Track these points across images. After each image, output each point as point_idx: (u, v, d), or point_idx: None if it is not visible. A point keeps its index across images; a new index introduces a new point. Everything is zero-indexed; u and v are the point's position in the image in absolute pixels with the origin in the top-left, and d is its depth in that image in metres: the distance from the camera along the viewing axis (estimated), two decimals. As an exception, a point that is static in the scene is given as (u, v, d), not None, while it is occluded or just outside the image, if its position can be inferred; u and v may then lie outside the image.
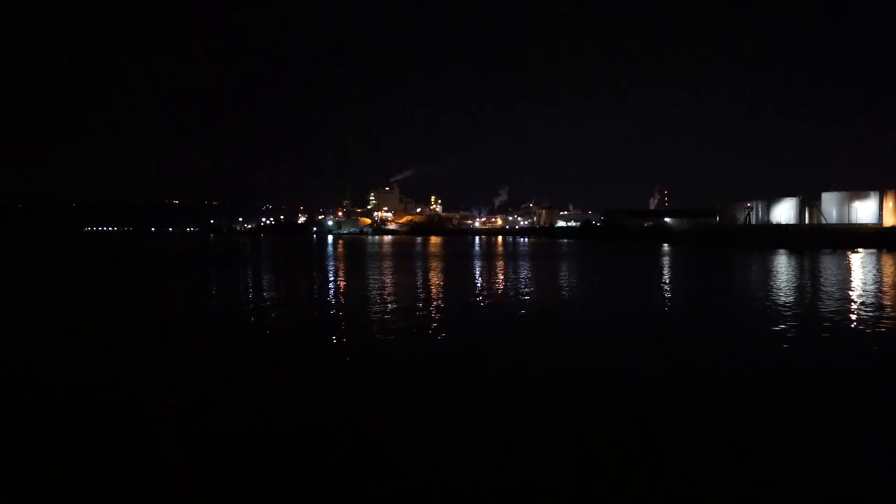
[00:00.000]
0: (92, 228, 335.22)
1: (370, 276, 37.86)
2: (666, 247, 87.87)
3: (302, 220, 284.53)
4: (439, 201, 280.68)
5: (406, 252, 77.90)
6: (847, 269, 42.08)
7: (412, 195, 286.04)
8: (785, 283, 32.32)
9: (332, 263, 54.09)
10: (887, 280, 34.45)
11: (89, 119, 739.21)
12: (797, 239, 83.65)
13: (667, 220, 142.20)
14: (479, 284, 33.69)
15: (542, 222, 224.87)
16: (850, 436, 9.24)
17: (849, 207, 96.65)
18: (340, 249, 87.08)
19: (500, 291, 29.55)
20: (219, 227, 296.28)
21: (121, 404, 10.56)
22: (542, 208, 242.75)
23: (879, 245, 76.16)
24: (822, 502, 7.23)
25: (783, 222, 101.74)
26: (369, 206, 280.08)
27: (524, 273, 41.37)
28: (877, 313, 20.99)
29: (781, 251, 69.02)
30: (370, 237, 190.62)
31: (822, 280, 33.90)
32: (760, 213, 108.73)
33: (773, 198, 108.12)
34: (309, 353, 15.16)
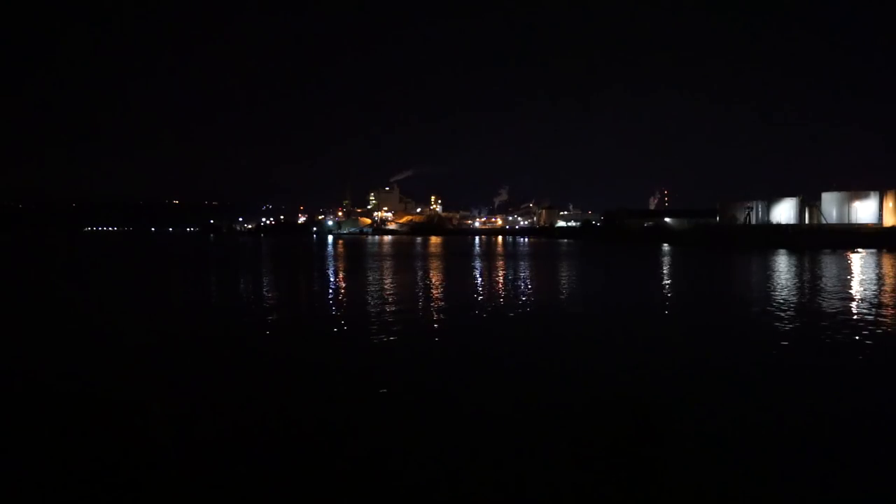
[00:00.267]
0: (92, 228, 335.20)
1: (371, 277, 37.86)
2: (666, 247, 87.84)
3: (302, 220, 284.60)
4: (439, 201, 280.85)
5: (406, 252, 77.89)
6: (847, 270, 42.07)
7: (412, 195, 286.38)
8: (785, 283, 32.31)
9: (332, 264, 54.07)
10: (888, 280, 34.44)
11: (89, 119, 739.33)
12: (797, 239, 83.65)
13: (667, 220, 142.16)
14: (479, 285, 33.68)
15: (542, 222, 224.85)
16: (849, 435, 9.24)
17: (849, 207, 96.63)
18: (340, 249, 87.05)
19: (500, 291, 29.54)
20: (219, 227, 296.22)
21: (121, 404, 10.55)
22: (542, 208, 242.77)
23: (879, 245, 76.16)
24: (823, 502, 7.23)
25: (783, 222, 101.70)
26: (369, 206, 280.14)
27: (524, 273, 41.37)
28: (877, 313, 20.98)
29: (781, 251, 69.00)
30: (370, 237, 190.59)
31: (822, 280, 33.88)
32: (760, 213, 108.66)
33: (773, 198, 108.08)
34: (309, 354, 15.16)
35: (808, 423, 9.71)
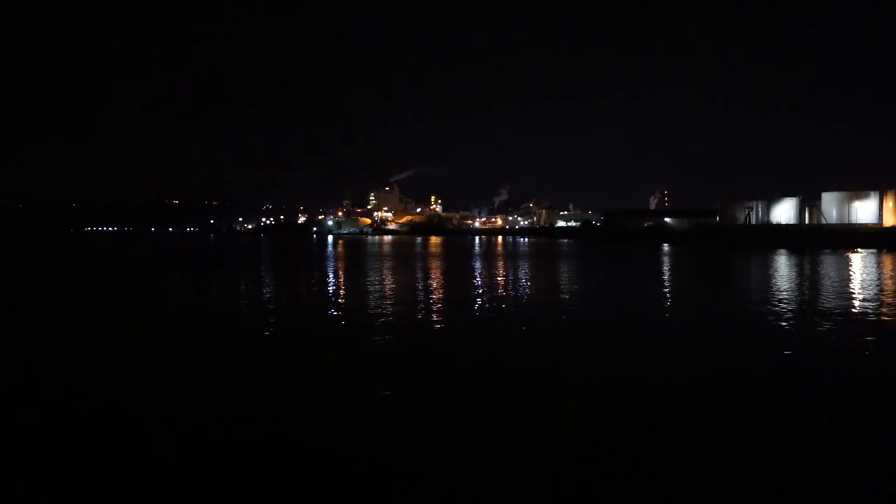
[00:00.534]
0: (92, 228, 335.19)
1: (372, 277, 37.87)
2: (666, 247, 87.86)
3: (302, 220, 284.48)
4: (439, 201, 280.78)
5: (406, 252, 77.90)
6: (847, 269, 42.09)
7: (412, 195, 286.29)
8: (785, 283, 32.32)
9: (332, 264, 54.07)
10: (888, 280, 34.46)
11: (89, 119, 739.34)
12: (797, 239, 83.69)
13: (667, 220, 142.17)
14: (480, 285, 33.68)
15: (542, 222, 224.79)
16: (849, 435, 9.25)
17: (849, 207, 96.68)
18: (341, 249, 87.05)
19: (500, 292, 29.55)
20: (219, 227, 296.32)
21: (120, 404, 10.57)
22: (542, 208, 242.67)
23: (879, 245, 76.19)
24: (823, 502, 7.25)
25: (783, 222, 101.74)
26: (369, 206, 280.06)
27: (525, 274, 41.38)
28: (877, 312, 21.00)
29: (781, 251, 69.02)
30: (370, 237, 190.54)
31: (822, 280, 33.90)
32: (760, 213, 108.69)
33: (773, 198, 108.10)
34: (310, 355, 15.17)
35: (813, 424, 9.72)
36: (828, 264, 47.43)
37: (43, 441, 8.95)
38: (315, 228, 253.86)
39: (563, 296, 28.38)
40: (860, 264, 47.49)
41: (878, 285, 31.15)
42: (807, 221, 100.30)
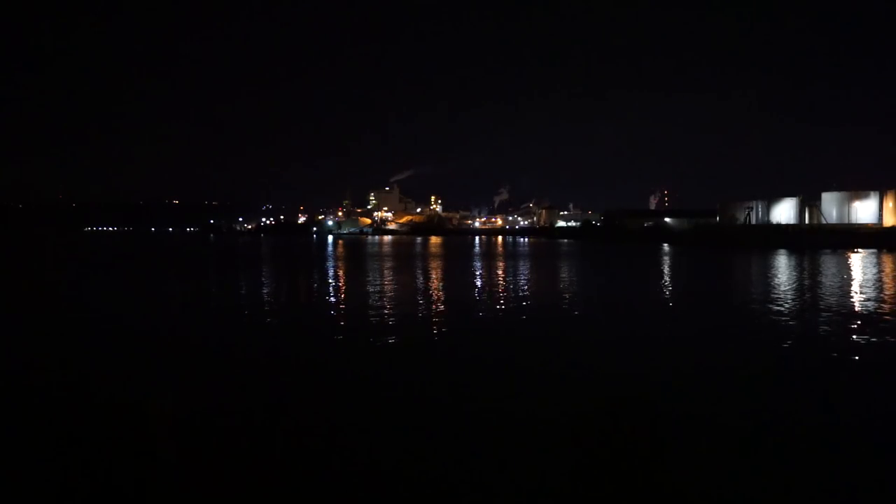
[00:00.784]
0: (92, 228, 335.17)
1: (373, 278, 37.88)
2: (666, 247, 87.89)
3: (302, 220, 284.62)
4: (439, 201, 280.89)
5: (407, 252, 77.91)
6: (847, 269, 42.11)
7: (412, 195, 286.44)
8: (785, 283, 32.34)
9: (332, 264, 54.08)
10: (888, 280, 34.47)
11: (89, 119, 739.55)
12: (797, 239, 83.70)
13: (667, 220, 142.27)
14: (481, 285, 33.71)
15: (542, 222, 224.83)
16: (848, 435, 9.26)
17: (849, 207, 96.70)
18: (340, 250, 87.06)
19: (501, 292, 29.56)
20: (219, 227, 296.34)
21: (120, 405, 10.57)
22: (542, 208, 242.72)
23: (879, 245, 76.23)
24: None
25: (783, 222, 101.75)
26: (369, 206, 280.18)
27: (525, 274, 41.39)
28: (877, 311, 21.02)
29: (782, 251, 69.04)
30: (370, 237, 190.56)
31: (822, 280, 33.92)
32: (760, 213, 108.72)
33: (773, 198, 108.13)
34: (310, 355, 15.18)
35: (807, 423, 9.73)
36: (828, 264, 47.44)
37: (43, 442, 8.95)
38: (315, 228, 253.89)
39: (564, 296, 28.38)
40: (860, 264, 47.51)
41: (878, 285, 31.16)
42: (807, 221, 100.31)
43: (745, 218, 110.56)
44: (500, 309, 23.23)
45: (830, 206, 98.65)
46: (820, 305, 23.36)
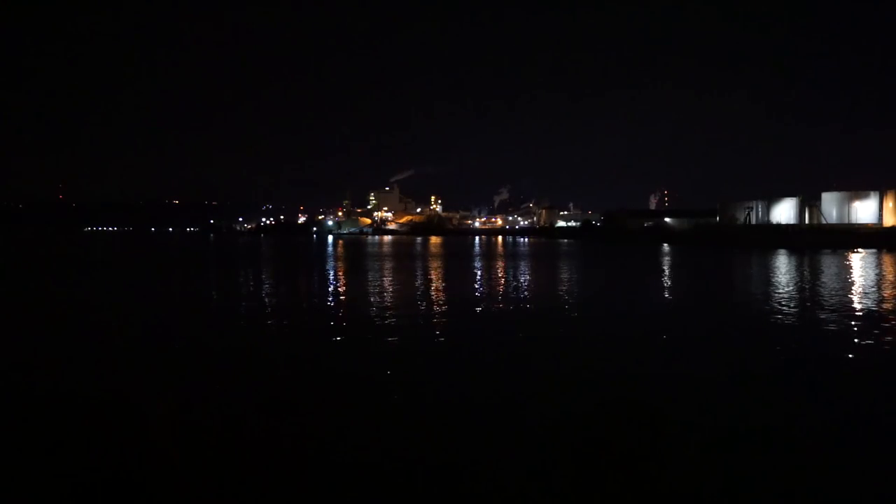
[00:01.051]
0: (92, 228, 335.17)
1: (374, 278, 37.88)
2: (666, 247, 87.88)
3: (302, 220, 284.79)
4: (439, 201, 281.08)
5: (406, 252, 77.90)
6: (847, 269, 42.10)
7: (412, 195, 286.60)
8: (785, 283, 32.34)
9: (332, 264, 54.07)
10: (887, 280, 34.46)
11: (89, 119, 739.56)
12: (797, 239, 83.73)
13: (667, 220, 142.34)
14: (481, 285, 33.71)
15: (542, 222, 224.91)
16: (848, 435, 9.26)
17: (849, 207, 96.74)
18: (341, 250, 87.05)
19: (502, 293, 29.56)
20: (219, 227, 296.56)
21: (120, 405, 10.58)
22: (542, 208, 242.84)
23: (879, 245, 76.25)
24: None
25: (783, 222, 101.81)
26: (369, 206, 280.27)
27: (525, 274, 41.38)
28: (877, 311, 21.01)
29: (782, 251, 69.04)
30: (370, 237, 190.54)
31: (822, 280, 33.91)
32: (760, 213, 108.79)
33: (773, 198, 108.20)
34: (309, 355, 15.18)
35: (807, 422, 9.73)
36: (828, 264, 47.43)
37: (42, 442, 8.95)
38: (315, 228, 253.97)
39: (565, 296, 28.37)
40: (860, 264, 47.51)
41: (878, 285, 31.16)
42: (807, 221, 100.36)
43: (745, 218, 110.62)
44: (501, 309, 23.22)
45: (830, 206, 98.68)
46: (819, 305, 23.35)
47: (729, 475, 7.83)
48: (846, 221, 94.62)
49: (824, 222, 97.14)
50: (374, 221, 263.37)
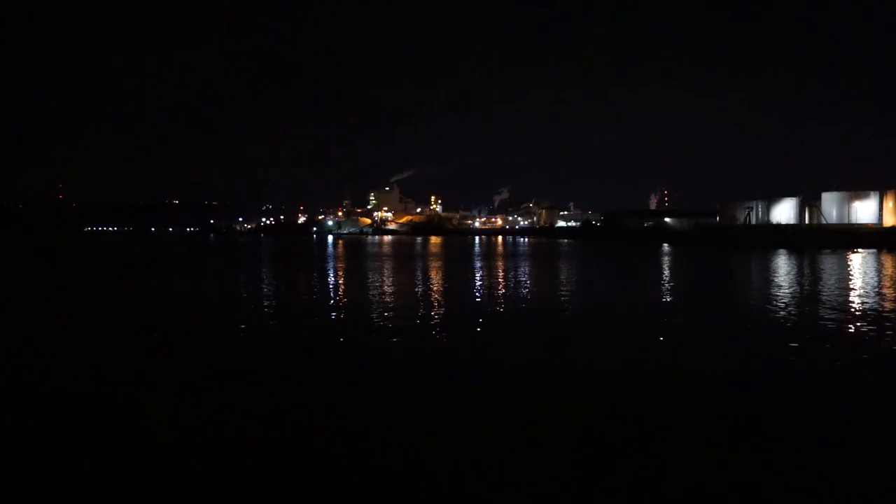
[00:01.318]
0: (92, 228, 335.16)
1: (374, 278, 37.88)
2: (666, 247, 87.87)
3: (302, 220, 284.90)
4: (439, 201, 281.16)
5: (406, 252, 77.91)
6: (847, 269, 42.10)
7: (412, 195, 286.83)
8: (785, 283, 32.34)
9: (332, 264, 54.08)
10: (887, 280, 34.47)
11: (89, 119, 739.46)
12: (797, 239, 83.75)
13: (667, 220, 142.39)
14: (481, 286, 33.71)
15: (542, 222, 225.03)
16: (847, 435, 9.26)
17: (849, 207, 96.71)
18: (341, 250, 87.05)
19: (502, 292, 29.56)
20: (219, 227, 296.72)
21: (121, 405, 10.58)
22: (542, 208, 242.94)
23: (879, 245, 76.27)
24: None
25: (783, 222, 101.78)
26: (369, 206, 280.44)
27: (525, 274, 41.38)
28: (877, 311, 21.01)
29: (782, 251, 69.04)
30: (370, 237, 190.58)
31: (822, 279, 33.91)
32: (760, 213, 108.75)
33: (773, 198, 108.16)
34: (310, 354, 15.18)
35: (807, 423, 9.73)
36: (828, 264, 47.43)
37: (43, 442, 8.95)
38: (315, 228, 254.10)
39: (566, 296, 28.37)
40: (860, 264, 47.51)
41: (878, 285, 31.16)
42: (807, 221, 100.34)
43: (745, 218, 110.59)
44: (501, 309, 23.22)
45: (830, 206, 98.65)
46: (819, 305, 23.36)
47: (729, 475, 7.83)
48: (846, 221, 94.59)
49: (824, 222, 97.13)
50: (374, 221, 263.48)
